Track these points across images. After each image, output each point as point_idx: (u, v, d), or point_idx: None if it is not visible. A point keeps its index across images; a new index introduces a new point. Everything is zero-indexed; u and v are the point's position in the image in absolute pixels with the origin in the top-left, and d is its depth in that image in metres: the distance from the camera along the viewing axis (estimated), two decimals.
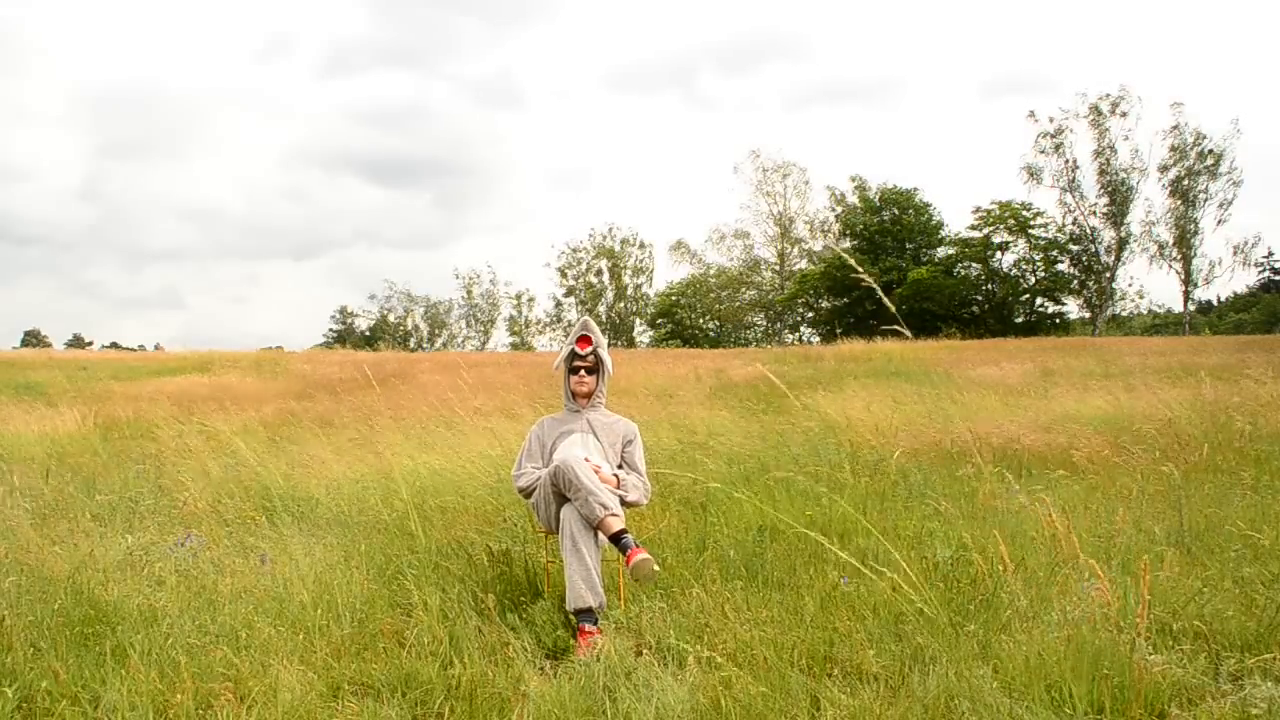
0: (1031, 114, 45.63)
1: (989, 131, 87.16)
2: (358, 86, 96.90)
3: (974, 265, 48.83)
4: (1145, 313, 49.18)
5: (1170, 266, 43.58)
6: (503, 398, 10.46)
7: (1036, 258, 47.59)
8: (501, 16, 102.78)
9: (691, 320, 57.45)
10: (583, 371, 4.22)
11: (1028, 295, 48.25)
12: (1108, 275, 44.95)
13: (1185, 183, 42.45)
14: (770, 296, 55.67)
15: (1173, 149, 42.78)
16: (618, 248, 60.65)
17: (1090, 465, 6.12)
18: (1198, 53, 75.88)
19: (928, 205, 50.88)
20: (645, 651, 3.19)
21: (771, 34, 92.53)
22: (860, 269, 3.91)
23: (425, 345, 60.25)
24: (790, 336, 54.82)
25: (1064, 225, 46.25)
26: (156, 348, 54.61)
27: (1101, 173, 43.90)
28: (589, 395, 4.24)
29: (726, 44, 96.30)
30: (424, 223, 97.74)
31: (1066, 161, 44.81)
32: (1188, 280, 43.24)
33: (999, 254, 48.43)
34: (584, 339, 4.23)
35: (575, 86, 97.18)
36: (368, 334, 59.91)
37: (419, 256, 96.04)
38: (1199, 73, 75.76)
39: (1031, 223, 47.19)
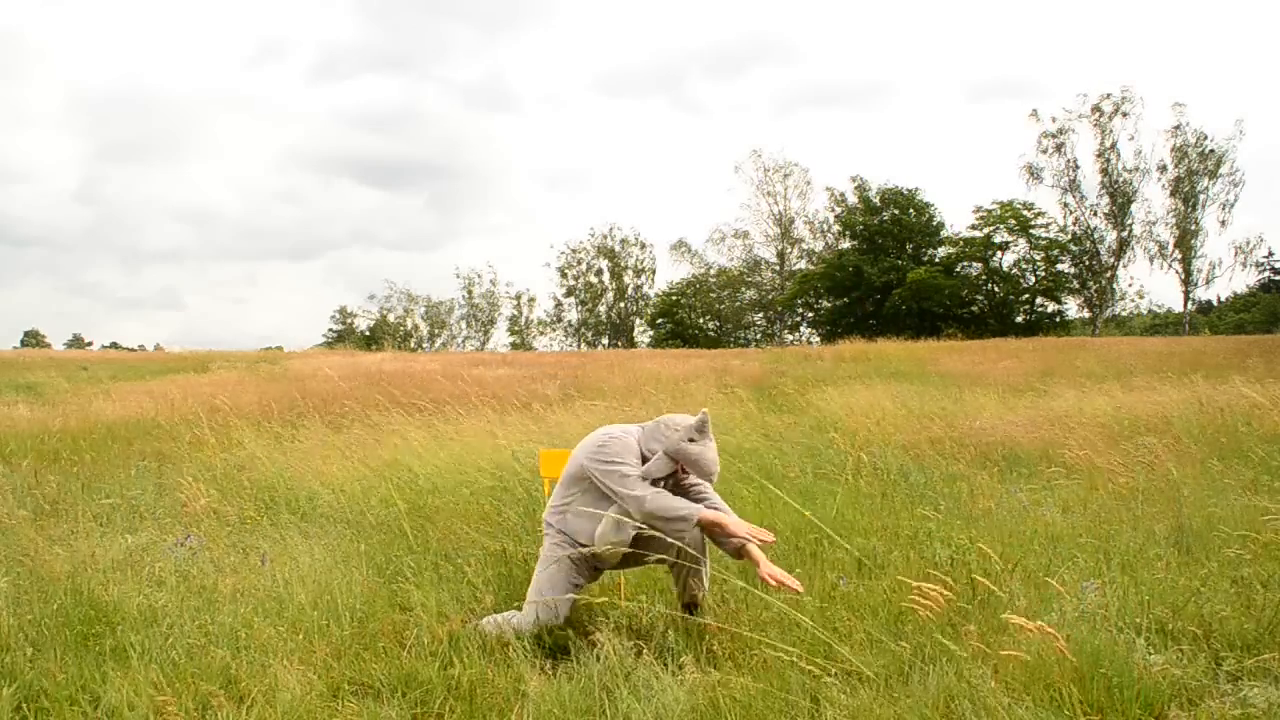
0: (1034, 113, 45.63)
1: (978, 134, 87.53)
2: (350, 91, 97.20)
3: (974, 265, 48.79)
4: (1145, 313, 49.18)
5: (1171, 267, 43.58)
6: None
7: (1037, 257, 47.57)
8: (492, 23, 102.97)
9: (691, 320, 57.42)
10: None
11: (1028, 295, 48.22)
12: (1108, 275, 44.92)
13: (1185, 185, 42.39)
14: (770, 296, 55.65)
15: (1174, 150, 42.73)
16: (618, 248, 60.65)
17: (1090, 465, 6.11)
18: (1199, 53, 75.83)
19: (928, 205, 50.89)
20: (645, 651, 3.18)
21: (758, 39, 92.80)
22: None
23: (425, 345, 60.22)
24: (790, 336, 54.83)
25: (1065, 225, 46.27)
26: (156, 348, 54.67)
27: (1104, 173, 43.84)
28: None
29: (714, 49, 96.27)
30: (419, 224, 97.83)
31: (1068, 161, 44.82)
32: (1188, 280, 43.21)
33: (999, 254, 48.41)
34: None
35: (567, 90, 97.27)
36: (368, 334, 59.89)
37: (415, 258, 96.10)
38: (1201, 73, 75.76)
39: (1032, 223, 47.16)
